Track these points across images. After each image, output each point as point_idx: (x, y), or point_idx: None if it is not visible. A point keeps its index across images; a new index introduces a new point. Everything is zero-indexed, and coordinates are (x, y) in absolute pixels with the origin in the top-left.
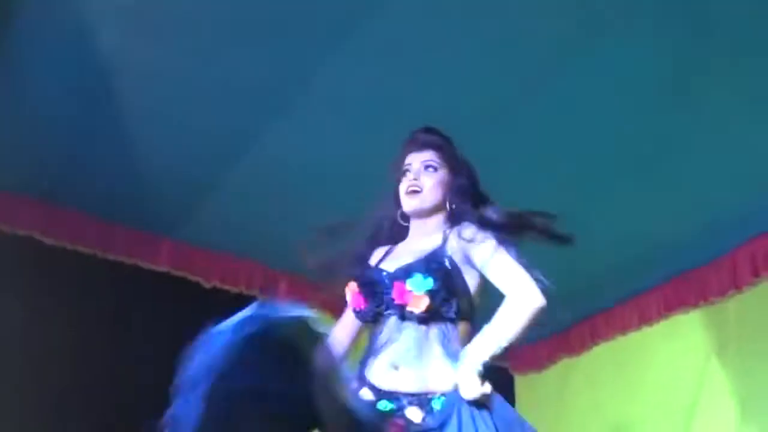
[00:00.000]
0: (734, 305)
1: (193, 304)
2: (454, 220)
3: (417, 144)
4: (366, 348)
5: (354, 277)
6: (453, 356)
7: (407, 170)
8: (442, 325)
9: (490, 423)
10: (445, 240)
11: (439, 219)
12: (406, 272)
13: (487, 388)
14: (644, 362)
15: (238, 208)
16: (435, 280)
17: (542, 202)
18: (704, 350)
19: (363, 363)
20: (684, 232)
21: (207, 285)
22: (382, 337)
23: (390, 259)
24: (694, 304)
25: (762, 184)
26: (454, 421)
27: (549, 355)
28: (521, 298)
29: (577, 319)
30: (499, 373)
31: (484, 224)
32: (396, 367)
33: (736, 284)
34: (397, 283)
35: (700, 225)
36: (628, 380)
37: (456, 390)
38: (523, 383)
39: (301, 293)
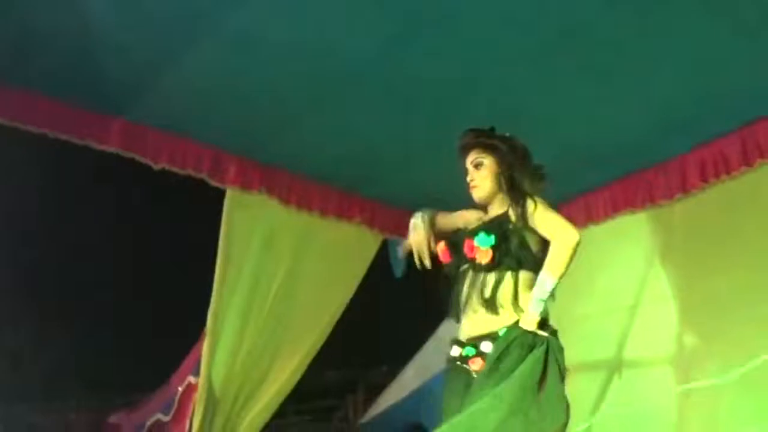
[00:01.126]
0: (681, 209)
1: (143, 185)
2: (512, 193)
3: (464, 148)
4: (454, 305)
5: (445, 239)
6: (515, 298)
7: (466, 171)
8: (506, 273)
9: (527, 351)
10: (507, 210)
11: (501, 196)
12: (473, 232)
13: (541, 332)
14: (589, 261)
15: (189, 90)
16: (496, 237)
17: (494, 101)
18: (649, 251)
19: (456, 320)
20: (634, 133)
21: (156, 166)
22: (464, 291)
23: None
24: (641, 206)
25: (714, 90)
26: (507, 345)
27: None
28: (560, 240)
29: None
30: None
31: (526, 191)
32: (475, 311)
33: (684, 188)
34: (467, 240)
35: (651, 127)
36: (571, 277)
37: (516, 322)
38: None
39: (249, 176)
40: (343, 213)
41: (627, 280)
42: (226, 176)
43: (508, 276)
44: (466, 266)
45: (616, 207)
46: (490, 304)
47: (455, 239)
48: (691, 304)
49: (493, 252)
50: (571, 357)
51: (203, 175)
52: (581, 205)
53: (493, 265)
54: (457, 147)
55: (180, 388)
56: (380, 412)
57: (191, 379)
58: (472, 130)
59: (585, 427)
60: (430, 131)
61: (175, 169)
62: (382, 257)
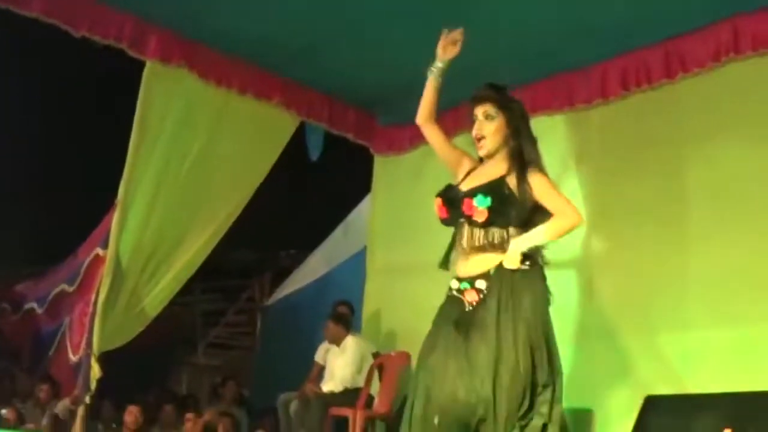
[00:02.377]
0: (599, 114)
1: (63, 52)
2: (514, 153)
3: (479, 98)
4: (451, 246)
5: (440, 195)
6: (503, 247)
7: (474, 120)
8: (499, 229)
9: (517, 284)
10: (507, 172)
11: (503, 152)
12: (472, 193)
13: (523, 266)
14: None
15: None
16: (492, 199)
17: None
18: (564, 154)
19: (449, 257)
20: (557, 35)
21: (76, 34)
22: (459, 238)
23: (467, 181)
24: (559, 108)
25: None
26: (497, 282)
27: (411, 139)
28: (566, 217)
29: (442, 108)
30: (360, 153)
31: (530, 160)
32: (468, 256)
33: (603, 94)
34: (466, 200)
35: (575, 30)
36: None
37: (502, 263)
38: (382, 164)
39: (170, 50)
40: (262, 93)
41: None
42: (146, 48)
43: (499, 231)
44: (462, 220)
45: (534, 108)
46: (484, 251)
47: (450, 196)
48: (602, 209)
49: (489, 212)
50: None
51: (123, 46)
52: None
53: (488, 223)
54: (471, 96)
55: (87, 260)
56: (286, 295)
57: (99, 250)
58: (490, 84)
59: None
60: (351, 16)
61: (95, 38)
62: (299, 139)
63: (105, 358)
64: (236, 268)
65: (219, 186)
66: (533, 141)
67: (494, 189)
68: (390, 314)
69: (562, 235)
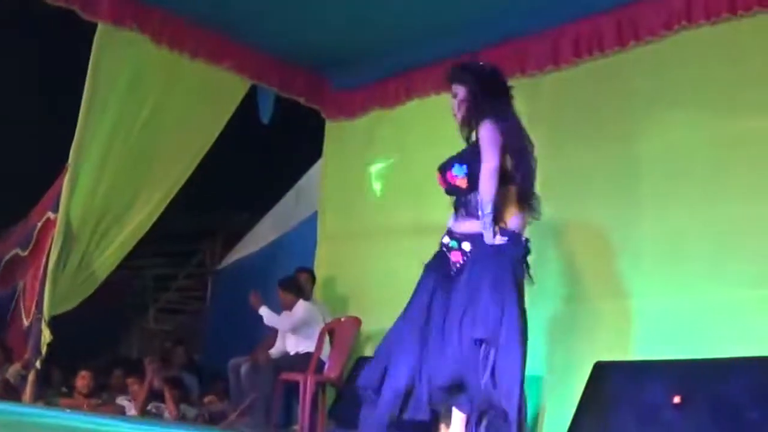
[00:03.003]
0: (550, 81)
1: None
2: (470, 115)
3: (446, 81)
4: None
5: (438, 169)
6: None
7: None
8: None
9: (491, 257)
10: (477, 137)
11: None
12: (450, 164)
13: (497, 239)
14: (453, 125)
15: None
16: (467, 166)
17: None
18: None
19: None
20: (508, 0)
21: None
22: (455, 202)
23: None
24: (510, 74)
25: None
26: (478, 250)
27: (362, 104)
28: (483, 167)
29: (394, 73)
30: (312, 117)
31: (481, 111)
32: (460, 218)
33: (555, 61)
34: (448, 172)
35: None
36: (434, 137)
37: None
38: (333, 129)
39: (123, 12)
40: (213, 56)
41: None
42: (98, 10)
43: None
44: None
45: None
46: (471, 216)
47: (444, 167)
48: (553, 175)
49: (467, 179)
50: (434, 221)
51: (75, 7)
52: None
53: (470, 190)
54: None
55: (38, 224)
56: (237, 260)
57: (50, 214)
58: (452, 66)
59: None
60: None
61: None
62: (250, 103)
63: (55, 323)
64: (187, 232)
65: (169, 149)
66: (493, 96)
67: (467, 154)
68: (341, 279)
69: (490, 186)
